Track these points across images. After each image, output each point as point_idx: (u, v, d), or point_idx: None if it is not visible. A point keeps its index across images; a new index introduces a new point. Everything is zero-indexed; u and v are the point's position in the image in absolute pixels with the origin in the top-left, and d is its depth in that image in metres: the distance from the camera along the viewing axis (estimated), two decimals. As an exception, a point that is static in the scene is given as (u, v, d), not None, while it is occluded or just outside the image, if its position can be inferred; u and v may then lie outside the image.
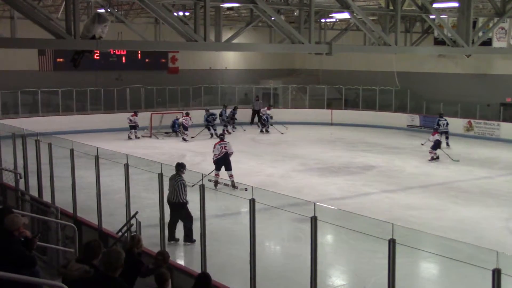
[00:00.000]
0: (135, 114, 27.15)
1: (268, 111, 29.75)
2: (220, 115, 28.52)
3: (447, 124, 24.28)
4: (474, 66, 29.32)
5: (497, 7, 13.06)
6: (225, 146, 16.85)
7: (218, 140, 17.65)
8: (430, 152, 21.56)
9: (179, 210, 11.91)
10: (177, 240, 11.94)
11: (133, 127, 26.91)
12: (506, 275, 5.42)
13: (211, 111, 28.17)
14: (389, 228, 6.24)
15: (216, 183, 16.07)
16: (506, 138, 26.61)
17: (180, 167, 12.24)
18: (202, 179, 9.60)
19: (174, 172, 12.10)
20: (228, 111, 29.43)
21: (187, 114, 27.34)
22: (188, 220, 11.82)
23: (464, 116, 28.69)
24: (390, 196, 16.42)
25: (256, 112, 32.17)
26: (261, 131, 29.28)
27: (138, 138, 26.76)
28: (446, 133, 24.18)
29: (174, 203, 11.83)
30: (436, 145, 21.46)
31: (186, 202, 11.89)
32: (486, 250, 6.48)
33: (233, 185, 16.06)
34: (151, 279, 7.13)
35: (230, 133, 27.91)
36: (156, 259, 7.45)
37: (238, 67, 36.50)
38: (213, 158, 17.01)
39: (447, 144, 23.79)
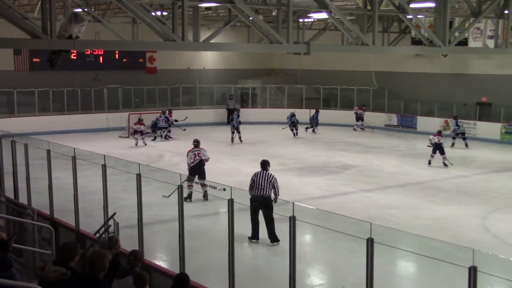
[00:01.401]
0: (138, 123, 25.47)
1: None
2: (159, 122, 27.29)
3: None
4: (450, 66, 29.60)
5: (473, 8, 13.19)
6: (198, 153, 15.58)
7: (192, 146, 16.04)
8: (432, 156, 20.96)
9: (270, 205, 11.80)
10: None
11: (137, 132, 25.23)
12: (482, 272, 5.48)
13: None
14: (367, 227, 6.26)
15: (189, 195, 14.88)
16: (482, 137, 26.91)
17: (267, 164, 12.48)
18: (179, 185, 9.54)
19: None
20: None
21: (170, 112, 27.49)
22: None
23: (441, 115, 28.96)
24: (369, 196, 16.51)
25: (231, 111, 32.17)
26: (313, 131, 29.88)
27: (145, 144, 25.08)
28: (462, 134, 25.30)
29: (266, 197, 11.86)
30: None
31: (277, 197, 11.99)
32: (462, 248, 6.54)
33: (205, 196, 15.00)
34: (127, 280, 7.08)
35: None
36: (128, 259, 7.36)
37: (216, 67, 36.43)
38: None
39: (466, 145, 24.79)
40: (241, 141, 25.59)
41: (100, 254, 5.90)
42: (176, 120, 27.38)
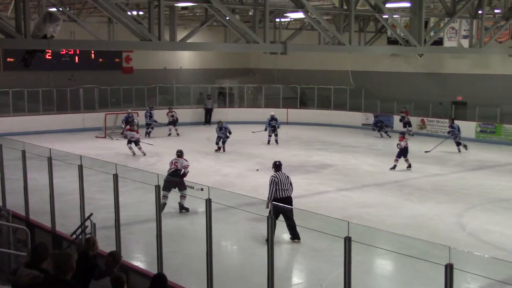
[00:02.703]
0: (130, 128, 23.58)
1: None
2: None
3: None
4: (426, 65, 29.88)
5: (447, 8, 13.32)
6: (175, 162, 14.68)
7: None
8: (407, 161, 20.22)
9: (291, 204, 11.95)
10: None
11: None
12: (459, 269, 5.53)
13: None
14: (345, 226, 6.29)
15: (162, 206, 13.02)
16: (458, 136, 27.19)
17: (280, 166, 12.44)
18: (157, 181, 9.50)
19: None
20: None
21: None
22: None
23: (417, 114, 29.22)
24: (346, 194, 16.58)
25: (208, 111, 32.15)
26: None
27: (144, 154, 22.45)
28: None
29: (290, 197, 12.13)
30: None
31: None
32: (439, 246, 6.59)
33: (182, 208, 14.14)
34: (105, 281, 7.03)
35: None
36: (106, 260, 7.31)
37: (193, 67, 36.35)
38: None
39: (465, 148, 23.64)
40: (223, 150, 23.54)
41: (65, 255, 5.85)
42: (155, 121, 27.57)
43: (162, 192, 12.90)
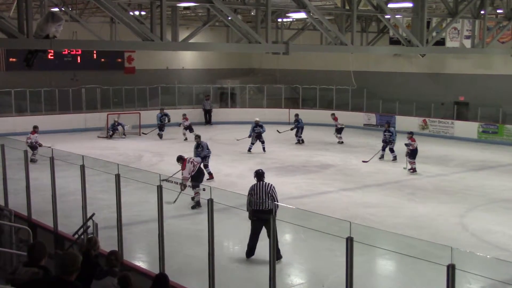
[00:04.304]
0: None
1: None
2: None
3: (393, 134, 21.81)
4: (428, 66, 29.86)
5: (450, 8, 13.31)
6: (192, 160, 15.40)
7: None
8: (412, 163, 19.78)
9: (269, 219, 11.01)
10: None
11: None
12: (460, 270, 5.53)
13: (165, 111, 27.97)
14: (346, 226, 6.28)
15: (198, 203, 14.46)
16: (460, 136, 27.20)
17: (263, 175, 11.49)
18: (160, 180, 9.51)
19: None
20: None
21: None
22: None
23: (419, 114, 29.20)
24: (348, 195, 16.57)
25: (207, 112, 32.15)
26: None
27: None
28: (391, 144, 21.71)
29: (267, 211, 10.61)
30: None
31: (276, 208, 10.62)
32: (441, 246, 6.60)
33: (195, 203, 14.58)
34: (107, 280, 7.04)
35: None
36: (108, 259, 7.30)
37: (195, 67, 36.34)
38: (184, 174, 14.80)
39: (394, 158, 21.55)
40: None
41: (72, 256, 5.85)
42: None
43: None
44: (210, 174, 17.73)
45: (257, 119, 24.00)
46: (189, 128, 26.73)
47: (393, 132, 21.90)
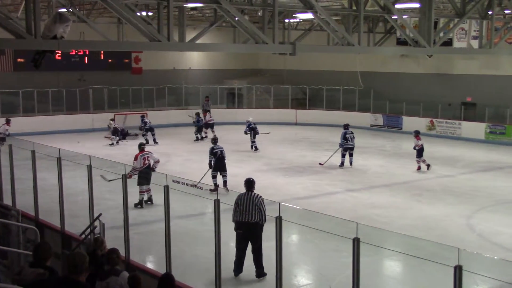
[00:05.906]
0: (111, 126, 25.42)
1: None
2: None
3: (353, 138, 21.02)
4: (435, 66, 29.77)
5: (457, 8, 13.26)
6: (148, 157, 14.88)
7: (139, 150, 15.17)
8: (418, 162, 20.11)
9: (258, 233, 10.06)
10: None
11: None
12: (468, 271, 5.51)
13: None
14: (353, 227, 6.27)
15: (140, 203, 14.59)
16: (467, 137, 27.11)
17: (253, 184, 10.48)
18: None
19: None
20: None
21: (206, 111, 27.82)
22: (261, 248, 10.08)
23: (426, 115, 29.13)
24: (355, 195, 16.55)
25: (207, 113, 32.17)
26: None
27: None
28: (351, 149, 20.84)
29: (253, 223, 10.01)
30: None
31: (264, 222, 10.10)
32: (448, 247, 6.56)
33: (150, 200, 14.77)
34: (110, 281, 7.04)
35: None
36: (110, 258, 7.26)
37: (202, 67, 36.39)
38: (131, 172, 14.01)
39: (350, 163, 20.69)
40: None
41: (81, 256, 5.86)
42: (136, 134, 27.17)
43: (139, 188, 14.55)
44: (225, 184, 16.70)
45: (251, 118, 24.40)
46: (210, 125, 26.80)
47: (349, 137, 20.76)
